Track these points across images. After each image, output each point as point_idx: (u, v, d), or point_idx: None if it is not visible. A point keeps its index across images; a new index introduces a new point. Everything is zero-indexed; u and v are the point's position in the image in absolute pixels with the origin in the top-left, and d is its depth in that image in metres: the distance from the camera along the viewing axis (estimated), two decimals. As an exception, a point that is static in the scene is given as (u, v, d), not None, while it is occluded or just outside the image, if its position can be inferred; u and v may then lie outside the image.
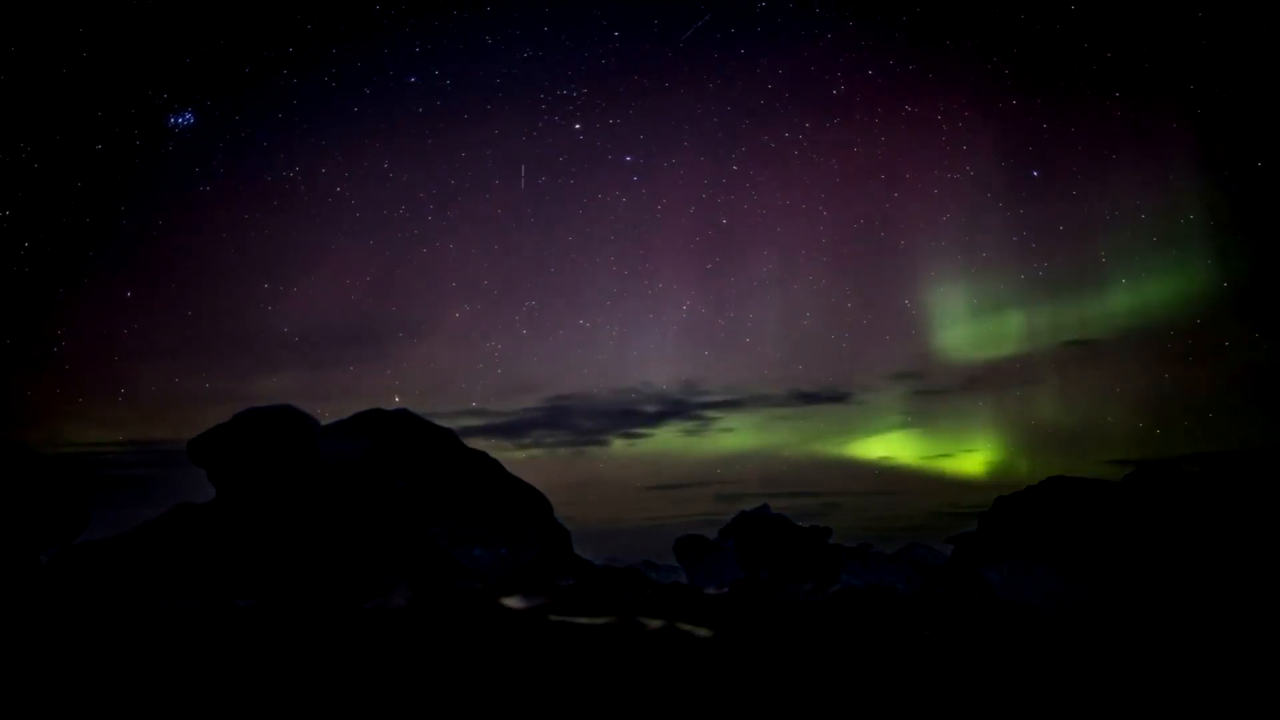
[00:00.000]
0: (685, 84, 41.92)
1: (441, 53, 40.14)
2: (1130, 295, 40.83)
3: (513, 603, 10.38)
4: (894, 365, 45.57)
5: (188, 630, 9.19)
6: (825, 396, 45.89)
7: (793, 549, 24.38)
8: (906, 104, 40.61)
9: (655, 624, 9.92)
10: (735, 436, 47.82)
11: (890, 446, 46.80)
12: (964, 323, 45.35)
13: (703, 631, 9.43)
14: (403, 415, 22.15)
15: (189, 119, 37.38)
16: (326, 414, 21.36)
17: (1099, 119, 38.92)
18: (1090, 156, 40.05)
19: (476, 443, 23.01)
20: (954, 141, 40.72)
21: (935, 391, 46.04)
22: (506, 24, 40.49)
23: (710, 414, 46.26)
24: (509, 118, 41.64)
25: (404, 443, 21.05)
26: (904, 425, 46.23)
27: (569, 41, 40.61)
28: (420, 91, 40.17)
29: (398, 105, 40.76)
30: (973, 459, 43.71)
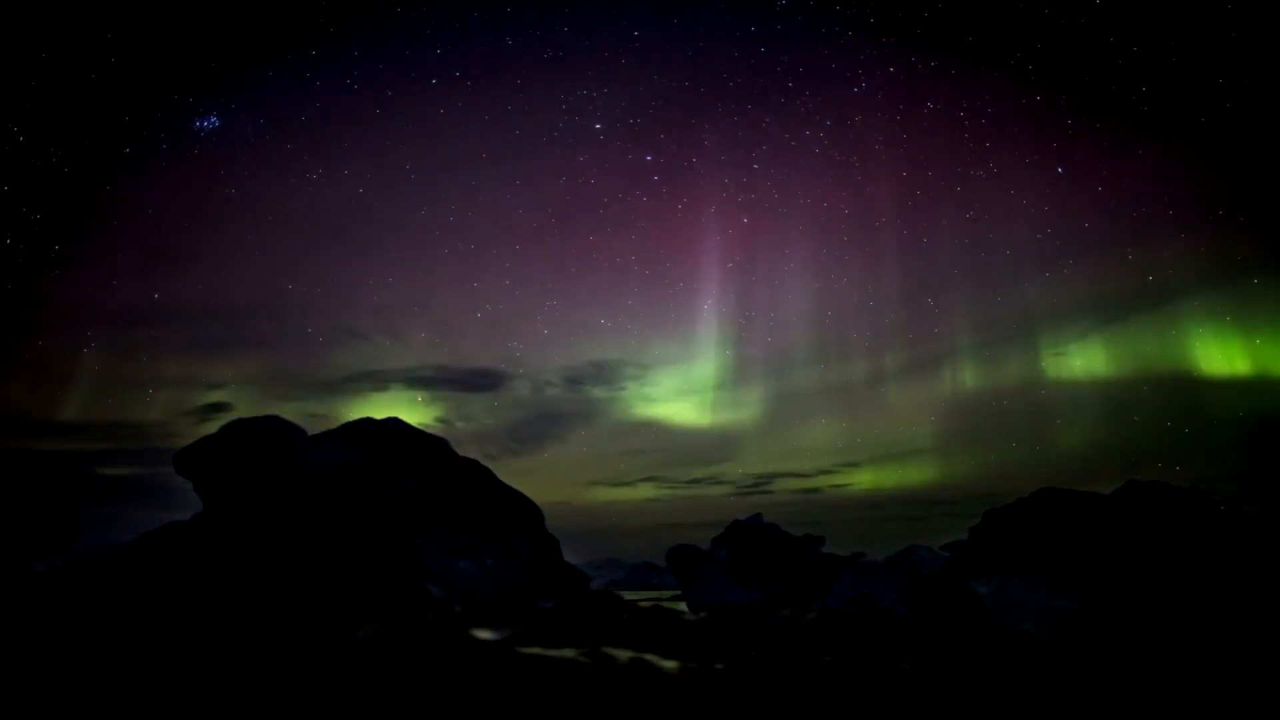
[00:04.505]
0: (705, 83, 41.63)
1: (462, 55, 40.16)
2: (1160, 289, 40.38)
3: (483, 634, 10.28)
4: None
5: (142, 668, 9.14)
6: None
7: (785, 558, 24.29)
8: (928, 101, 40.06)
9: (624, 656, 9.84)
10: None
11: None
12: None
13: (669, 664, 9.35)
14: (393, 424, 22.11)
15: (214, 122, 37.51)
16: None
17: (1125, 115, 38.10)
18: (1116, 153, 39.25)
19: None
20: (977, 138, 40.09)
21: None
22: (526, 26, 40.36)
23: (722, 409, 46.66)
24: (529, 119, 41.50)
25: (394, 452, 20.98)
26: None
27: (589, 42, 40.34)
28: (441, 93, 40.09)
29: (419, 107, 40.68)
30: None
